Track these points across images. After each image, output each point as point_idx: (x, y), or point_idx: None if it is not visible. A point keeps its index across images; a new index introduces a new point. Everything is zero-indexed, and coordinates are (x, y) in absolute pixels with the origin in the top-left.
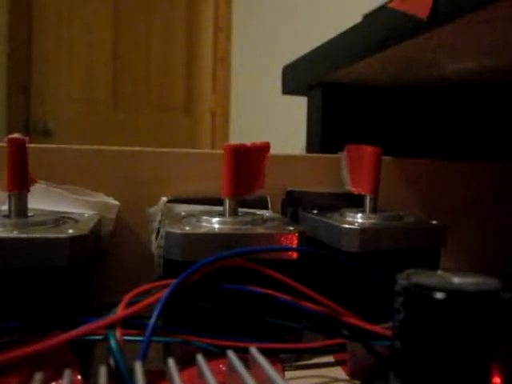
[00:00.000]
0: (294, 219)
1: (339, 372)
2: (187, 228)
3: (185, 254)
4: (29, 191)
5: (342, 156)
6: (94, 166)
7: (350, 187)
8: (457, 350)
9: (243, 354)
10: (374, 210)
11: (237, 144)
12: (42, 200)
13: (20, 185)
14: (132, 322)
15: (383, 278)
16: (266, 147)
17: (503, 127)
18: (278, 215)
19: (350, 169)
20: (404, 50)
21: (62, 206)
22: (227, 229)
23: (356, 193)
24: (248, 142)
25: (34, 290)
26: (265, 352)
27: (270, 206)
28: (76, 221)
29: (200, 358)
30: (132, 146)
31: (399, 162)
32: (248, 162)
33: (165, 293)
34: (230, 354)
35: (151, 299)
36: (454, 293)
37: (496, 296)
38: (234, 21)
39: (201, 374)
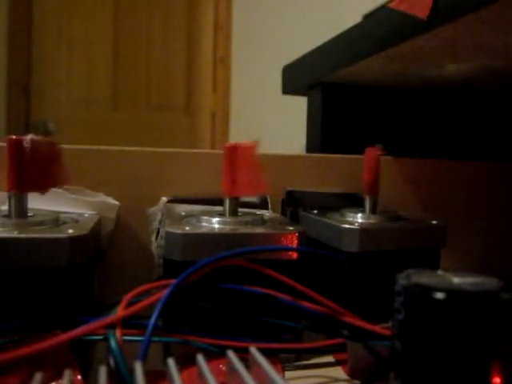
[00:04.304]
0: (294, 219)
1: (339, 372)
2: (187, 228)
3: (185, 254)
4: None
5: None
6: (94, 165)
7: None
8: (457, 349)
9: (243, 354)
10: (373, 210)
11: (236, 143)
12: (42, 200)
13: (20, 185)
14: (132, 322)
15: (383, 278)
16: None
17: (503, 127)
18: (278, 215)
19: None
20: (404, 49)
21: (62, 206)
22: (227, 229)
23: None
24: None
25: (34, 290)
26: (265, 352)
27: (270, 206)
28: (76, 221)
29: (200, 358)
30: (132, 146)
31: (399, 162)
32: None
33: (165, 293)
34: (230, 354)
35: (151, 299)
36: (454, 293)
37: (496, 296)
38: (234, 21)
39: (201, 374)
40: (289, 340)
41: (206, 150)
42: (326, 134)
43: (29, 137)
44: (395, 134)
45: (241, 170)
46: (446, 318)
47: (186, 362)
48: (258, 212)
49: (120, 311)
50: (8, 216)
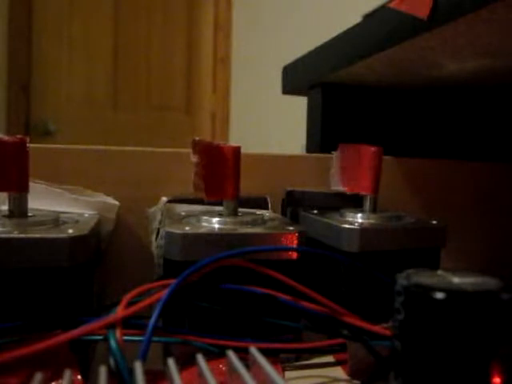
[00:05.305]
0: (294, 219)
1: (339, 372)
2: (187, 228)
3: (185, 253)
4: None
5: (335, 155)
6: (94, 165)
7: (339, 187)
8: (457, 349)
9: (243, 354)
10: (373, 210)
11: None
12: (42, 200)
13: (20, 185)
14: (132, 322)
15: (383, 277)
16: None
17: (503, 127)
18: (278, 215)
19: (346, 168)
20: (404, 49)
21: (62, 206)
22: (227, 229)
23: (348, 193)
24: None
25: (35, 290)
26: (265, 352)
27: (270, 205)
28: (76, 221)
29: (200, 358)
30: (132, 146)
31: (399, 162)
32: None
33: (165, 293)
34: (230, 354)
35: (151, 299)
36: (453, 293)
37: (496, 296)
38: (234, 21)
39: (201, 374)
40: (289, 340)
41: None
42: (326, 133)
43: None
44: (395, 133)
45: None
46: (446, 318)
47: (186, 362)
48: (258, 212)
49: (120, 311)
50: (8, 216)
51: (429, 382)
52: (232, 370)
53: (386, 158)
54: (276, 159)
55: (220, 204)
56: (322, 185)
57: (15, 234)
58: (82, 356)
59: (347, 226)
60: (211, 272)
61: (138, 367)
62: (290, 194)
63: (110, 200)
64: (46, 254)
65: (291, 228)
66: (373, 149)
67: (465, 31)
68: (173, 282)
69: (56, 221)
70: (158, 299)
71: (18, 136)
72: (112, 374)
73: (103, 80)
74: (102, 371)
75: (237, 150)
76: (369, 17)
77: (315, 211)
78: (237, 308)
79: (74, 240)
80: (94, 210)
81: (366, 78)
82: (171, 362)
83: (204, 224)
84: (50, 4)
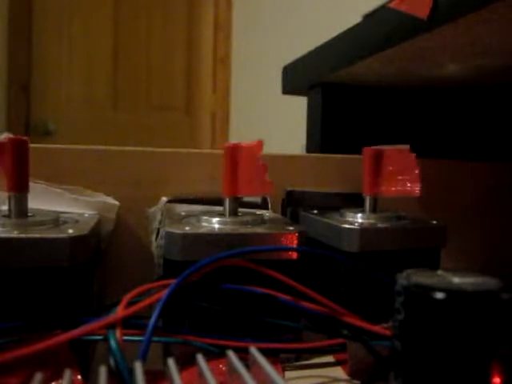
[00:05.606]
0: (294, 219)
1: (339, 372)
2: (187, 228)
3: (185, 253)
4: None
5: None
6: (94, 165)
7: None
8: (457, 349)
9: (243, 354)
10: (373, 210)
11: (235, 143)
12: (42, 200)
13: (20, 185)
14: (132, 322)
15: (383, 277)
16: (255, 147)
17: (503, 127)
18: (278, 215)
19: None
20: (404, 50)
21: (62, 206)
22: (227, 229)
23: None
24: (243, 142)
25: (35, 290)
26: (265, 352)
27: (270, 206)
28: (76, 221)
29: (200, 358)
30: (132, 146)
31: None
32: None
33: (165, 293)
34: (230, 354)
35: (151, 299)
36: (453, 293)
37: (496, 296)
38: (234, 21)
39: (201, 374)
40: (289, 340)
41: (205, 150)
42: (326, 133)
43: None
44: (395, 133)
45: (242, 169)
46: (446, 318)
47: (186, 362)
48: (258, 212)
49: (120, 311)
50: (8, 216)
51: (429, 381)
52: (232, 370)
53: None
54: (276, 159)
55: (220, 204)
56: (322, 185)
57: (15, 234)
58: (82, 356)
59: (347, 226)
60: (211, 272)
61: (138, 367)
62: (290, 194)
63: (110, 200)
64: (46, 254)
65: (291, 228)
66: (372, 149)
67: (465, 31)
68: (173, 282)
69: (56, 221)
70: (158, 299)
71: (18, 136)
72: (112, 374)
73: (103, 80)
74: (102, 371)
75: (237, 148)
76: (369, 17)
77: (315, 211)
78: (237, 308)
79: (74, 240)
80: (94, 210)
81: (366, 78)
82: (171, 362)
83: (204, 224)
84: (49, 4)
